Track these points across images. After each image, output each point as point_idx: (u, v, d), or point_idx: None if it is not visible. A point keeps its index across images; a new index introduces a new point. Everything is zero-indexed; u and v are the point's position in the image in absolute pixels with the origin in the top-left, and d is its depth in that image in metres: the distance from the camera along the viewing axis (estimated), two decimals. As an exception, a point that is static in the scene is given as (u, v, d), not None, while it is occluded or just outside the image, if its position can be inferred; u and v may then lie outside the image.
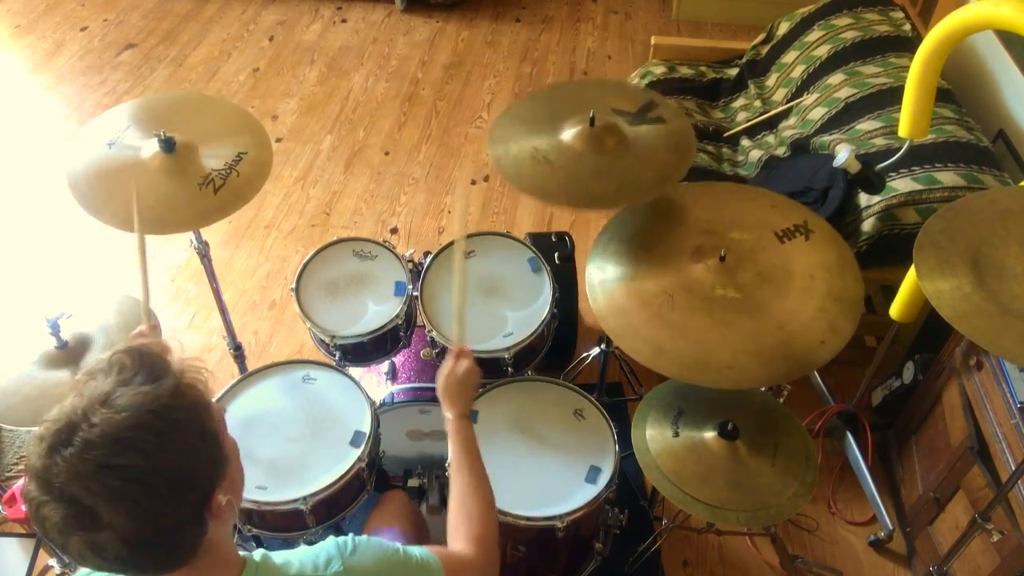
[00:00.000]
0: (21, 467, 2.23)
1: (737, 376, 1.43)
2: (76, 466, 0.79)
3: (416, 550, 1.10)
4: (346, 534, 1.08)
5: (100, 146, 1.72)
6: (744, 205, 1.70)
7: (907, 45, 2.56)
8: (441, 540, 1.23)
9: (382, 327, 1.81)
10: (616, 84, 1.95)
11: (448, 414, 1.35)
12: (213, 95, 3.57)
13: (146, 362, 0.87)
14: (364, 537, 1.08)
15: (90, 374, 0.86)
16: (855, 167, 1.85)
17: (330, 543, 1.04)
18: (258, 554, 0.99)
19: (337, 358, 1.84)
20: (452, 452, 1.30)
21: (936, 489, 1.91)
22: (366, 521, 1.64)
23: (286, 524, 1.61)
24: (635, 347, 1.49)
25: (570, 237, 2.40)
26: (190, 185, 1.66)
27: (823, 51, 2.67)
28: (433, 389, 1.91)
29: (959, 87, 2.48)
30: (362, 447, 1.64)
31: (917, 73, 1.74)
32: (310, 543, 1.64)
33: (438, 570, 1.09)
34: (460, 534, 1.20)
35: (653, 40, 3.12)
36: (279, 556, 1.01)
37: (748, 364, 1.44)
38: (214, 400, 1.02)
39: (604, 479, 1.60)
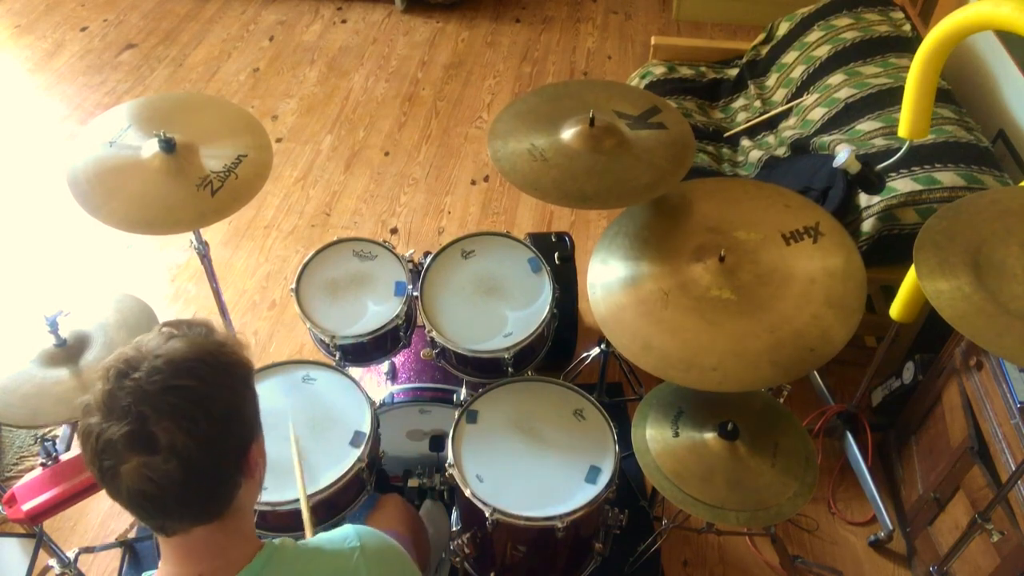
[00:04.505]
0: (21, 467, 2.23)
1: (719, 379, 1.43)
2: (143, 386, 0.85)
3: None
4: None
5: (101, 145, 1.72)
6: (757, 203, 1.69)
7: (907, 45, 2.56)
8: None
9: (382, 327, 1.81)
10: (622, 88, 1.95)
11: None
12: (213, 95, 3.57)
13: (195, 326, 0.95)
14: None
15: (141, 337, 0.92)
16: (855, 167, 1.85)
17: (346, 527, 1.09)
18: (277, 539, 1.03)
19: (337, 358, 1.84)
20: None
21: (936, 489, 1.91)
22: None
23: (286, 524, 1.61)
24: (624, 343, 1.49)
25: (570, 237, 2.40)
26: (188, 186, 1.66)
27: (823, 51, 2.67)
28: (433, 389, 1.94)
29: (959, 87, 2.48)
30: (362, 447, 1.64)
31: (917, 73, 1.74)
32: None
33: None
34: None
35: (653, 40, 3.12)
36: (298, 540, 1.05)
37: (732, 367, 1.43)
38: None
39: (604, 479, 1.60)
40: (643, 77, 2.99)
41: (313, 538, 1.06)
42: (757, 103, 2.79)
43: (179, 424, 0.85)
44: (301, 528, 1.61)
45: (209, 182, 1.68)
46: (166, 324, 0.94)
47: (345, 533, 1.07)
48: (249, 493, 0.97)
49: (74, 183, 1.66)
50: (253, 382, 0.97)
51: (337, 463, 1.61)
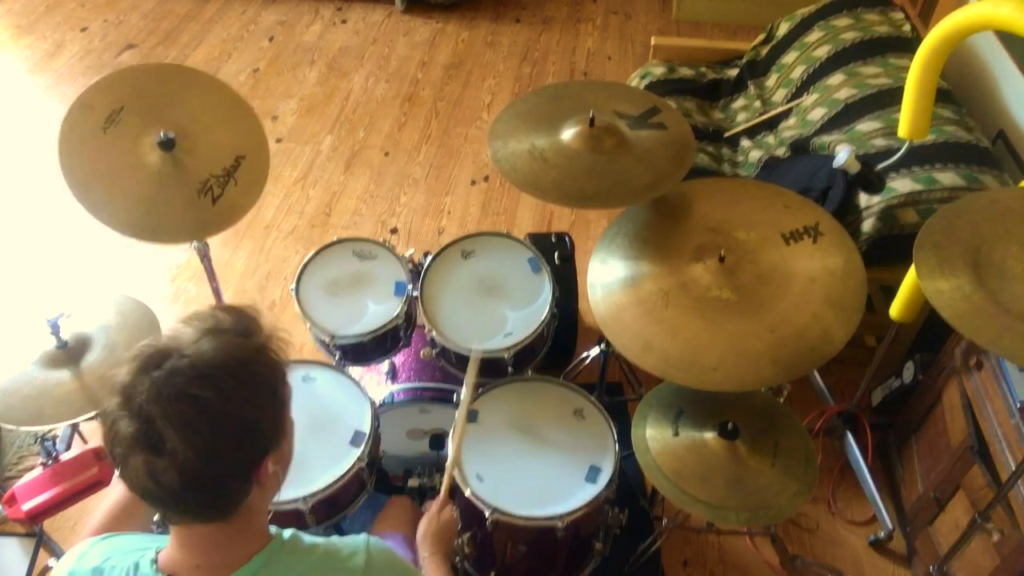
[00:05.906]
0: (21, 467, 2.24)
1: (721, 378, 1.43)
2: (160, 388, 0.85)
3: None
4: (346, 534, 1.09)
5: (95, 132, 1.65)
6: (757, 203, 1.69)
7: (907, 45, 2.56)
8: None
9: (382, 327, 1.81)
10: (622, 88, 1.95)
11: (424, 553, 1.41)
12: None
13: (241, 320, 0.94)
14: (388, 542, 1.11)
15: (188, 319, 0.93)
16: (855, 167, 1.85)
17: (360, 537, 1.08)
18: (288, 532, 1.03)
19: (337, 358, 1.84)
20: None
21: (936, 489, 1.91)
22: (371, 528, 1.64)
23: (286, 524, 1.61)
24: (624, 343, 1.50)
25: (570, 237, 2.40)
26: (188, 191, 1.66)
27: (823, 51, 2.67)
28: (433, 389, 1.94)
29: (959, 87, 2.48)
30: (362, 447, 1.64)
31: (917, 73, 1.74)
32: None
33: None
34: None
35: (653, 40, 3.12)
36: (308, 538, 1.04)
37: (733, 367, 1.44)
38: None
39: (604, 479, 1.60)
40: (643, 77, 2.99)
41: (322, 541, 1.05)
42: (757, 103, 2.80)
43: (184, 436, 0.84)
44: (298, 528, 1.61)
45: (209, 188, 1.67)
46: (217, 309, 0.94)
47: (355, 546, 1.05)
48: (261, 497, 0.97)
49: (70, 179, 1.63)
50: (283, 390, 0.96)
51: (337, 463, 1.61)
